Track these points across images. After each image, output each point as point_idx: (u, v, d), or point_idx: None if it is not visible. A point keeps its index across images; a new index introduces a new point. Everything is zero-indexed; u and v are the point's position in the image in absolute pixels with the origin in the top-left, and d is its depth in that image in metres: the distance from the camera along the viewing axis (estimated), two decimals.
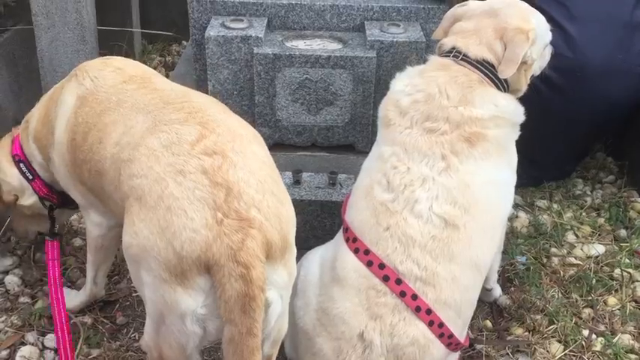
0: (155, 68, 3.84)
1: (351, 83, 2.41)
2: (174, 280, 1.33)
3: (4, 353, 1.93)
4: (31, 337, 2.00)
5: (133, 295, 2.24)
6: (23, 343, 1.98)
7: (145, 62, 3.89)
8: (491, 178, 1.75)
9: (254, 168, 1.44)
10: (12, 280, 2.21)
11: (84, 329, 2.04)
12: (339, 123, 2.50)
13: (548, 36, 1.96)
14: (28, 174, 2.07)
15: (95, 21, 2.95)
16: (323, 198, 2.31)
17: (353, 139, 2.54)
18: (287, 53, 2.37)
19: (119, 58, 1.95)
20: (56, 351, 1.97)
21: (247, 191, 1.37)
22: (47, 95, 2.03)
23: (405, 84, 1.84)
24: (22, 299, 2.15)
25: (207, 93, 2.53)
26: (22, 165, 2.07)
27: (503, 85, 1.83)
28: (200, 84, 2.68)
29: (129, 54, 3.74)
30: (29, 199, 2.10)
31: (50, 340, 1.99)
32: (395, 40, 2.39)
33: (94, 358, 1.95)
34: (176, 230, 1.32)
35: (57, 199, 2.10)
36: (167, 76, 3.74)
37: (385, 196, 1.70)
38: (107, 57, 1.97)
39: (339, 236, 1.85)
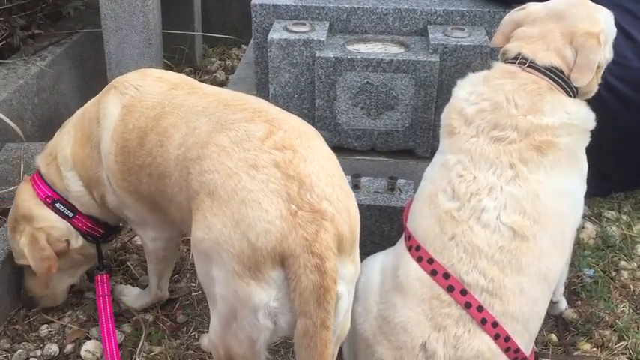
0: (215, 72, 3.90)
1: (412, 88, 2.38)
2: (248, 273, 1.34)
3: (70, 347, 1.99)
4: (95, 331, 2.05)
5: (193, 294, 2.28)
6: (88, 338, 2.03)
7: (205, 65, 3.98)
8: (561, 188, 1.69)
9: (322, 162, 1.46)
10: None
11: (145, 326, 2.08)
12: (399, 128, 2.47)
13: (614, 31, 1.89)
14: (68, 212, 1.96)
15: (160, 24, 3.01)
16: (382, 203, 2.29)
17: (413, 145, 2.51)
18: (349, 57, 2.36)
19: (154, 69, 1.94)
20: (121, 346, 2.02)
21: (318, 184, 1.39)
22: (73, 121, 1.96)
23: (468, 92, 1.80)
24: (86, 294, 2.20)
25: (267, 96, 2.56)
26: (58, 205, 1.95)
27: (572, 91, 1.77)
28: (260, 87, 2.70)
29: (191, 57, 3.82)
30: (78, 240, 1.99)
31: None
32: (459, 44, 2.35)
33: (155, 355, 1.98)
34: (251, 222, 1.34)
35: (102, 229, 2.03)
36: (227, 79, 3.81)
37: (450, 204, 1.67)
38: (142, 69, 1.95)
39: (401, 243, 1.82)
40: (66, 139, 1.93)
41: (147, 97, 1.76)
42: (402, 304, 1.68)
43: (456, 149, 1.73)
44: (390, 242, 1.94)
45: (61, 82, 2.95)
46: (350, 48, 2.45)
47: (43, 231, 1.93)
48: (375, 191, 2.34)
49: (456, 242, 1.63)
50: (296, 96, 2.50)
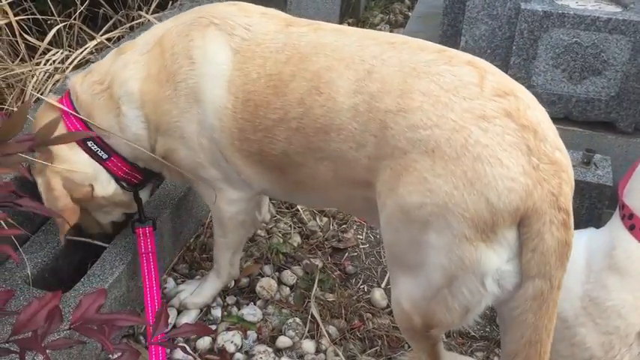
0: (377, 25, 3.78)
1: (628, 52, 2.13)
2: (479, 236, 1.21)
3: (244, 281, 1.99)
4: (268, 269, 2.04)
5: (361, 246, 2.21)
6: (261, 275, 2.02)
7: (367, 18, 3.86)
8: None
9: (539, 107, 1.32)
10: None
11: (316, 271, 2.04)
12: (602, 96, 2.23)
13: None
14: (102, 153, 1.63)
15: None
16: (575, 177, 2.06)
17: (615, 117, 2.26)
18: (559, 12, 2.14)
19: (243, 2, 1.63)
20: (291, 288, 1.99)
21: (549, 132, 1.26)
22: (142, 48, 1.61)
23: None
24: (259, 232, 2.19)
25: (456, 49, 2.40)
26: (90, 144, 1.63)
27: None
28: (445, 40, 2.55)
29: (355, 8, 3.72)
30: (108, 186, 1.68)
31: (285, 276, 2.01)
32: None
33: (328, 303, 1.93)
34: (490, 181, 1.20)
35: (140, 177, 1.72)
36: (391, 32, 3.68)
37: None
38: (226, 2, 1.63)
39: (616, 221, 1.63)
40: (132, 70, 1.59)
41: (264, 40, 1.49)
42: (617, 287, 1.51)
43: None
44: (577, 219, 1.75)
45: None
46: (558, 2, 2.23)
47: (59, 175, 1.60)
48: None
49: None
50: (489, 51, 2.32)
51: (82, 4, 2.34)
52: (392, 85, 1.34)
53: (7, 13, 2.01)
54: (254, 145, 1.52)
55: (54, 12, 2.33)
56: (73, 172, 1.62)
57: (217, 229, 1.78)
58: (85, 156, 1.63)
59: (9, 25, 2.00)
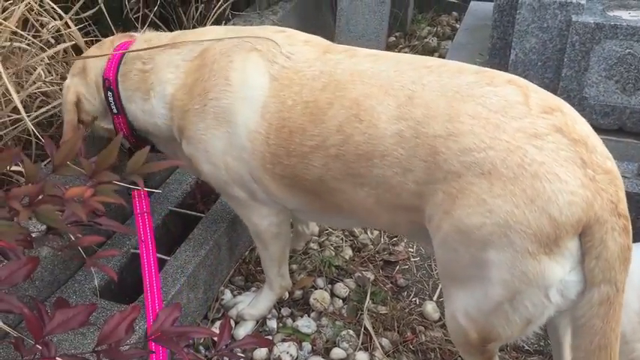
0: (425, 37, 3.80)
1: None
2: (542, 250, 1.25)
3: (298, 293, 2.04)
4: (321, 282, 2.08)
5: (412, 259, 2.23)
6: (314, 287, 2.07)
7: (414, 31, 3.89)
8: None
9: (583, 120, 1.35)
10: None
11: (368, 284, 2.07)
12: None
13: None
14: (113, 107, 1.78)
15: None
16: (630, 189, 2.05)
17: None
18: (611, 23, 2.13)
19: (283, 28, 1.70)
20: (344, 300, 2.03)
21: (597, 143, 1.31)
22: (186, 55, 1.68)
23: None
24: (311, 245, 2.25)
25: (506, 63, 2.41)
26: (109, 94, 1.77)
27: None
28: (494, 53, 2.55)
29: (402, 21, 3.75)
30: (109, 124, 1.83)
31: (338, 288, 2.05)
32: None
33: (381, 315, 1.96)
34: (550, 196, 1.23)
35: (135, 141, 1.83)
36: (439, 45, 3.69)
37: None
38: (275, 28, 1.70)
39: None
40: (172, 74, 1.68)
41: (302, 68, 1.53)
42: None
43: None
44: (632, 232, 1.72)
45: None
46: (611, 14, 2.21)
47: (77, 94, 1.79)
48: (622, 175, 2.11)
49: None
50: (540, 64, 2.32)
51: (142, 27, 2.45)
52: (437, 110, 1.36)
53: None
54: (287, 170, 1.56)
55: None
56: (87, 99, 1.81)
57: (257, 242, 1.86)
58: (102, 96, 1.79)
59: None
